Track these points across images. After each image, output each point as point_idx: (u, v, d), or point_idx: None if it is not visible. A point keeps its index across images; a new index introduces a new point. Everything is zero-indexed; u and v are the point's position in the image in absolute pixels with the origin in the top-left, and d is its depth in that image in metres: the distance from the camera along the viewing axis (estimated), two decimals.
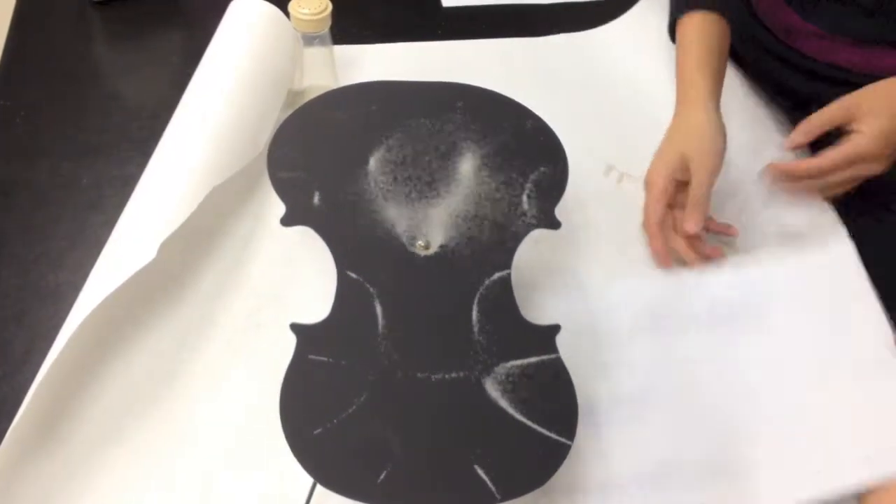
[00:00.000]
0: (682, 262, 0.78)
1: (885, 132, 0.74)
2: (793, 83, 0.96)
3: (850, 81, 0.88)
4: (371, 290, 0.60)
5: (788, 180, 0.80)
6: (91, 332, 0.66)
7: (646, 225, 0.79)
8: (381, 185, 0.65)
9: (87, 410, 0.65)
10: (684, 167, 0.77)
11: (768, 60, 0.98)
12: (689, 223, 0.75)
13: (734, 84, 0.95)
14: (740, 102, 0.95)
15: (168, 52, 1.01)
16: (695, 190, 0.76)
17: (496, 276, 0.61)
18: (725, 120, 0.81)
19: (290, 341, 0.58)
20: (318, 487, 0.59)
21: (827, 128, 0.79)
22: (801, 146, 0.81)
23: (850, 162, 0.75)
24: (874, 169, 0.76)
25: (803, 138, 0.79)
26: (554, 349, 0.58)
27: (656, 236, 0.77)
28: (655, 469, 0.64)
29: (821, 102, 0.93)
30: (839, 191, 0.80)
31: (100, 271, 0.68)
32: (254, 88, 0.82)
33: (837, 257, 0.76)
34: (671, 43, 0.88)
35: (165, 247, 0.66)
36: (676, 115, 0.83)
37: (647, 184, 0.79)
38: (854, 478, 0.63)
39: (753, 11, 1.01)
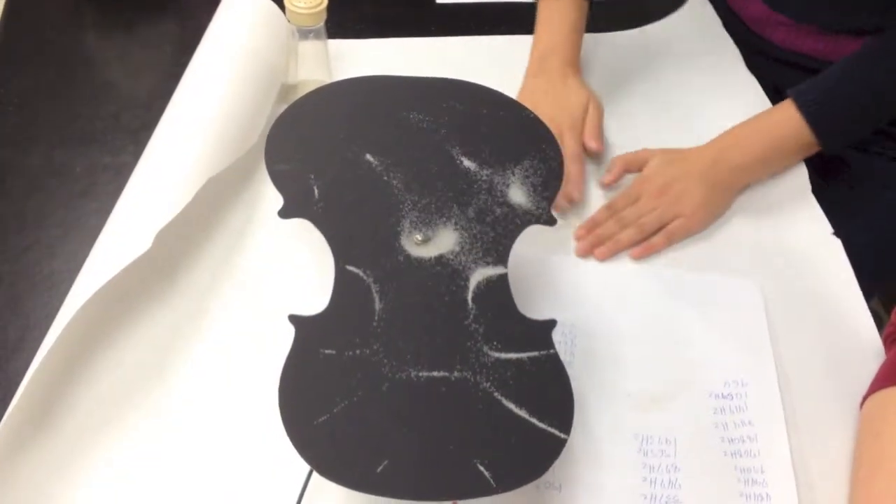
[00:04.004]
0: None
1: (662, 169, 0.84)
2: (764, 71, 0.98)
3: (816, 69, 0.90)
4: (369, 283, 0.60)
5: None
6: (85, 322, 0.66)
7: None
8: (377, 179, 0.65)
9: (81, 400, 0.65)
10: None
11: (743, 49, 1.01)
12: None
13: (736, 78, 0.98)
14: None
15: (161, 43, 1.00)
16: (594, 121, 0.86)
17: (493, 270, 0.61)
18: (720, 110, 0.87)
19: (286, 332, 0.58)
20: (313, 479, 0.60)
21: (630, 168, 0.86)
22: (612, 184, 0.86)
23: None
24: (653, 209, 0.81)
25: (611, 178, 0.86)
26: (550, 344, 0.59)
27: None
28: (644, 462, 0.65)
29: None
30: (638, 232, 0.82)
31: (94, 261, 0.68)
32: (248, 81, 0.82)
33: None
34: (657, 47, 0.90)
35: (160, 238, 0.66)
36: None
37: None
38: None
39: (726, 2, 1.04)
